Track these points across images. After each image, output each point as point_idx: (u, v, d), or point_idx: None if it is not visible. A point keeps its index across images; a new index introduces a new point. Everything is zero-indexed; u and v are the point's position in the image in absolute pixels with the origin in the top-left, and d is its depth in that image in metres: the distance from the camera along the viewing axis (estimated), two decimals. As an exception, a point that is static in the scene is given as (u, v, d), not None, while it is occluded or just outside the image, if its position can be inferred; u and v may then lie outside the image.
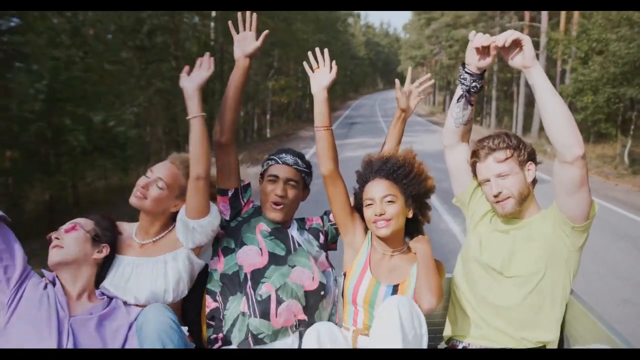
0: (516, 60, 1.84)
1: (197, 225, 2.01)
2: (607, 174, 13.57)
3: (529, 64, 1.82)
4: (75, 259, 1.95)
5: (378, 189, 2.04)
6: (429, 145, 13.49)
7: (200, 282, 2.18)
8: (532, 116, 20.46)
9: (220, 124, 2.10)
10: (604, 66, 13.73)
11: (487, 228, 2.12)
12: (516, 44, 1.82)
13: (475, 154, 2.05)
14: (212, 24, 17.67)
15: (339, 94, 53.29)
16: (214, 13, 17.27)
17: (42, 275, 1.96)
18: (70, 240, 1.94)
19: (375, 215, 2.01)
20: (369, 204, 2.05)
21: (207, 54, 2.07)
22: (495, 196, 1.99)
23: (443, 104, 44.49)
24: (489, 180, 2.01)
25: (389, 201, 2.02)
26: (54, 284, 1.93)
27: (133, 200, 2.06)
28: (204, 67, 2.04)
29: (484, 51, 1.91)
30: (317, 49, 2.13)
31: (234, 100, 2.10)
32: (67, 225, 1.98)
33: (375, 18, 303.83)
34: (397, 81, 2.40)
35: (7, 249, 1.83)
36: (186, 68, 2.03)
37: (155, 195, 2.05)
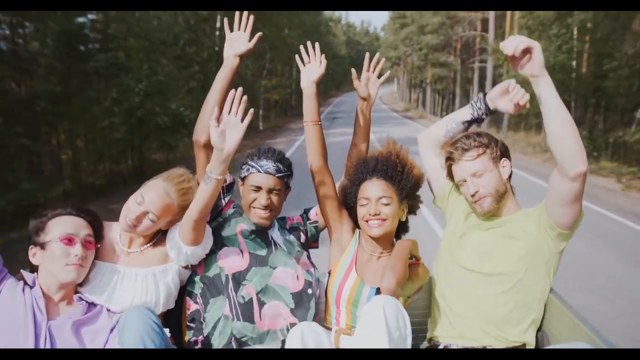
0: (525, 69, 1.74)
1: (190, 252, 1.98)
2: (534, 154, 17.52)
3: (537, 72, 1.72)
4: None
5: (374, 189, 2.01)
6: (404, 134, 16.96)
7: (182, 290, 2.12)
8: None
9: (202, 124, 2.04)
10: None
11: (464, 225, 2.11)
12: (525, 52, 1.71)
13: (449, 156, 2.05)
14: (217, 33, 20.79)
15: (321, 90, 56.70)
16: (218, 23, 20.42)
17: (21, 278, 1.85)
18: (90, 257, 1.87)
19: (370, 214, 1.98)
20: (364, 204, 2.01)
21: (244, 95, 1.78)
22: (473, 195, 1.98)
23: (417, 101, 48.39)
24: (465, 181, 2.00)
25: (384, 203, 2.00)
26: (32, 286, 1.82)
27: (122, 225, 1.94)
28: (247, 119, 1.77)
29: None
30: (309, 43, 2.12)
31: (219, 101, 2.00)
32: (83, 234, 1.83)
33: (356, 17, 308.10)
34: (353, 70, 2.22)
35: None
36: (215, 115, 1.76)
37: (146, 225, 1.95)
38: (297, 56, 2.12)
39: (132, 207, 1.93)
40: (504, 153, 2.04)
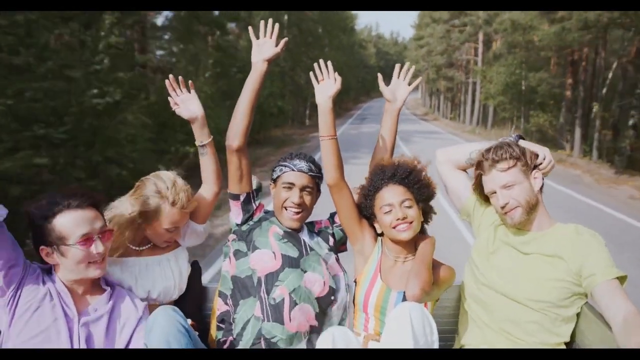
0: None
1: (203, 229, 2.22)
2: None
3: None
4: None
5: (395, 194, 2.01)
6: (419, 129, 22.77)
7: (191, 278, 2.24)
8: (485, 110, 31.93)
9: (234, 129, 2.08)
10: (495, 83, 26.24)
11: (495, 241, 2.07)
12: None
13: (479, 166, 2.02)
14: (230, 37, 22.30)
15: (352, 97, 65.26)
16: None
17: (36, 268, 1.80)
18: (109, 245, 1.85)
19: (398, 219, 1.97)
20: (387, 211, 2.00)
21: (180, 78, 2.11)
22: (503, 207, 1.96)
23: (433, 107, 56.89)
24: (495, 192, 1.98)
25: (407, 205, 2.00)
26: (49, 272, 1.80)
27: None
28: (193, 93, 2.13)
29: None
30: (322, 61, 2.13)
31: (250, 105, 2.08)
32: (98, 227, 1.78)
33: (385, 29, 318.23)
34: (379, 75, 2.36)
35: (12, 248, 1.70)
36: (173, 98, 2.13)
37: (175, 233, 2.11)
38: (311, 73, 2.13)
39: (163, 233, 2.06)
40: (536, 165, 2.00)
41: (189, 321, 1.82)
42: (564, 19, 16.37)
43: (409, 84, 2.32)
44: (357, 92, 70.68)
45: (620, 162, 15.71)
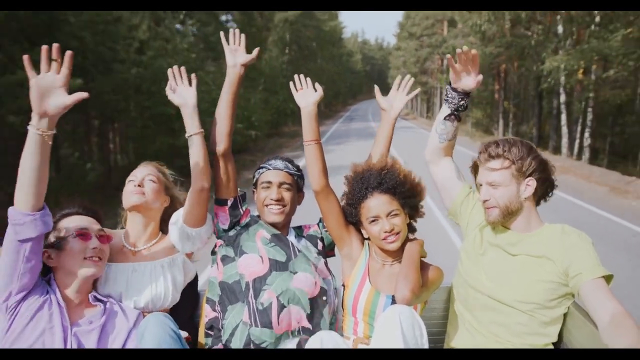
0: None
1: (195, 234, 2.07)
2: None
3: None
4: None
5: (381, 205, 1.99)
6: (400, 126, 31.12)
7: (189, 285, 2.22)
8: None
9: (217, 134, 2.07)
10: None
11: (482, 242, 2.07)
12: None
13: (479, 156, 2.02)
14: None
15: (341, 100, 71.64)
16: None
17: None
18: (107, 252, 1.93)
19: (385, 232, 1.97)
20: (373, 221, 2.00)
21: (183, 68, 2.09)
22: (483, 202, 1.99)
23: (413, 108, 64.51)
24: (481, 185, 2.00)
25: (394, 214, 1.99)
26: (49, 283, 1.85)
27: (134, 199, 2.07)
28: (193, 83, 2.07)
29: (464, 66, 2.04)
30: (302, 75, 2.19)
31: (231, 108, 2.08)
32: (96, 229, 1.91)
33: (370, 34, 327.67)
34: (376, 87, 2.47)
35: (38, 257, 1.75)
36: (170, 84, 2.07)
37: (151, 188, 2.11)
38: (290, 83, 2.18)
39: (129, 185, 2.11)
40: (534, 171, 1.94)
41: (185, 334, 1.85)
42: (495, 39, 23.08)
43: (408, 94, 2.38)
44: (344, 96, 77.25)
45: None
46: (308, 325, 2.03)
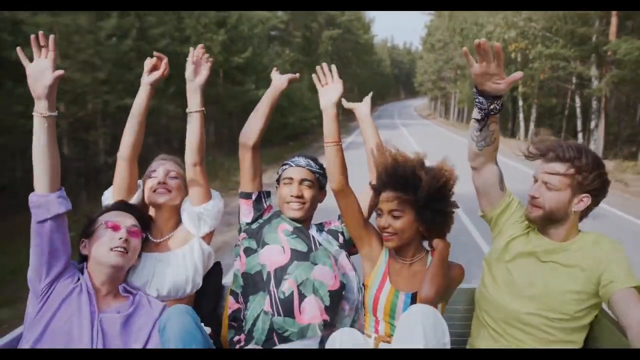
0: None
1: (204, 210, 2.12)
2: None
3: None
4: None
5: (387, 201, 2.01)
6: (421, 125, 33.43)
7: (212, 277, 2.27)
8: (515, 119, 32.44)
9: (251, 128, 2.15)
10: (462, 92, 41.70)
11: (508, 250, 2.02)
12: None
13: (548, 149, 1.95)
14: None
15: (371, 102, 79.22)
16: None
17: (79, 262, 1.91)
18: (137, 247, 1.95)
19: (383, 228, 2.01)
20: (379, 214, 2.05)
21: (204, 53, 2.14)
22: (531, 197, 1.94)
23: (434, 109, 72.42)
24: (536, 181, 1.94)
25: (395, 215, 1.98)
26: (82, 271, 1.89)
27: (161, 199, 2.12)
28: (205, 66, 2.12)
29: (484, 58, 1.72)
30: (325, 64, 2.13)
31: (270, 108, 2.17)
32: (129, 224, 1.94)
33: (399, 40, 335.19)
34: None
35: (62, 240, 1.79)
36: (189, 61, 2.10)
37: (175, 184, 2.15)
38: (314, 76, 2.13)
39: (151, 182, 2.14)
40: (594, 190, 1.86)
41: (208, 330, 1.85)
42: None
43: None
44: (374, 97, 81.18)
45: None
46: (327, 318, 2.01)
